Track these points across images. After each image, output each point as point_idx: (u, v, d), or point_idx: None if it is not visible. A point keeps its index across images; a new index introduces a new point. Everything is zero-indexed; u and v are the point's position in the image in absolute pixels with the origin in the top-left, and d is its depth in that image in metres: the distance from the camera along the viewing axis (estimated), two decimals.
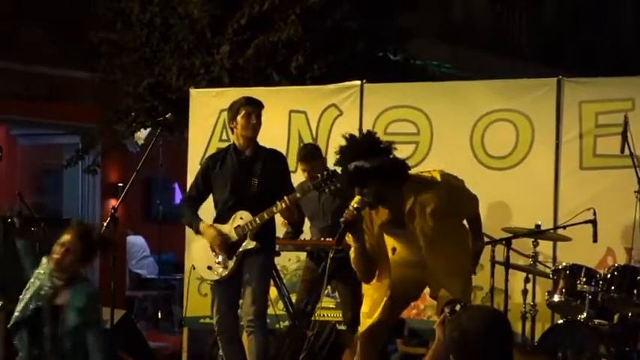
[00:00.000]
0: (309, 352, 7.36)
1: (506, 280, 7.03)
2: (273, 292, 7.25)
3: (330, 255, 7.03)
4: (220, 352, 6.97)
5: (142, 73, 10.50)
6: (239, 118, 6.77)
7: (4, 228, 7.76)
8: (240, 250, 6.68)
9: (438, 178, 5.61)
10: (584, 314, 6.73)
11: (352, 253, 5.63)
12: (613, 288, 6.72)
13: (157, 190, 13.26)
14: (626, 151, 7.04)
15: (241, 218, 6.69)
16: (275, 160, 6.88)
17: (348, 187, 5.62)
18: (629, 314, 6.87)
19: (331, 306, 8.11)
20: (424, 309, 7.92)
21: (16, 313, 5.84)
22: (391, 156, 5.51)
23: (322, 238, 7.52)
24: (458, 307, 4.29)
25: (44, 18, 11.86)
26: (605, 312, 6.87)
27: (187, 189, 7.33)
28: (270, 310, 6.91)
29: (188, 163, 8.73)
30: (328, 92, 8.49)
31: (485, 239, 6.23)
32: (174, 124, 8.64)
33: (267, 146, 6.91)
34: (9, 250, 7.41)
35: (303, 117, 8.49)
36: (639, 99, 7.53)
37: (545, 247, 7.42)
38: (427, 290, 5.85)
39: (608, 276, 6.77)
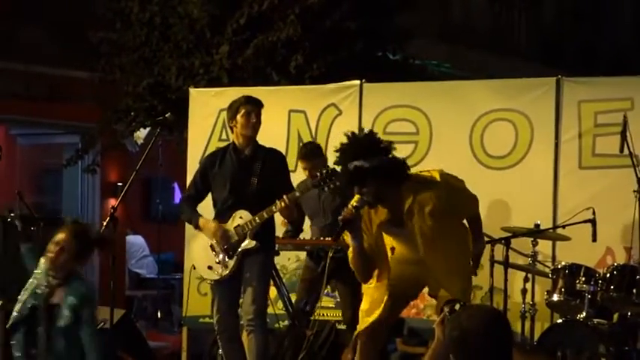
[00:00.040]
0: (308, 352, 7.37)
1: (506, 280, 7.02)
2: (272, 291, 7.24)
3: (330, 254, 7.05)
4: (220, 352, 6.96)
5: (141, 73, 10.50)
6: (239, 117, 6.77)
7: (3, 228, 7.76)
8: (240, 249, 6.68)
9: (438, 177, 5.61)
10: (584, 313, 6.73)
11: (350, 253, 5.63)
12: (612, 287, 6.71)
13: (156, 189, 13.26)
14: (626, 151, 7.02)
15: (241, 217, 6.69)
16: (274, 159, 6.88)
17: (347, 186, 5.63)
18: (629, 313, 6.86)
19: (331, 305, 8.11)
20: (424, 308, 7.92)
21: (15, 314, 5.81)
22: (390, 155, 5.53)
23: (322, 237, 7.51)
24: (457, 307, 4.28)
25: (44, 18, 11.86)
26: (604, 311, 6.87)
27: (186, 188, 7.34)
28: (269, 310, 6.90)
29: (187, 162, 8.72)
30: (327, 92, 8.49)
31: (485, 239, 6.23)
32: (173, 124, 8.65)
33: (267, 145, 6.92)
34: (9, 250, 7.42)
35: (302, 116, 8.49)
36: (638, 98, 7.53)
37: (544, 246, 7.42)
38: (426, 289, 5.85)
39: (608, 275, 6.76)
